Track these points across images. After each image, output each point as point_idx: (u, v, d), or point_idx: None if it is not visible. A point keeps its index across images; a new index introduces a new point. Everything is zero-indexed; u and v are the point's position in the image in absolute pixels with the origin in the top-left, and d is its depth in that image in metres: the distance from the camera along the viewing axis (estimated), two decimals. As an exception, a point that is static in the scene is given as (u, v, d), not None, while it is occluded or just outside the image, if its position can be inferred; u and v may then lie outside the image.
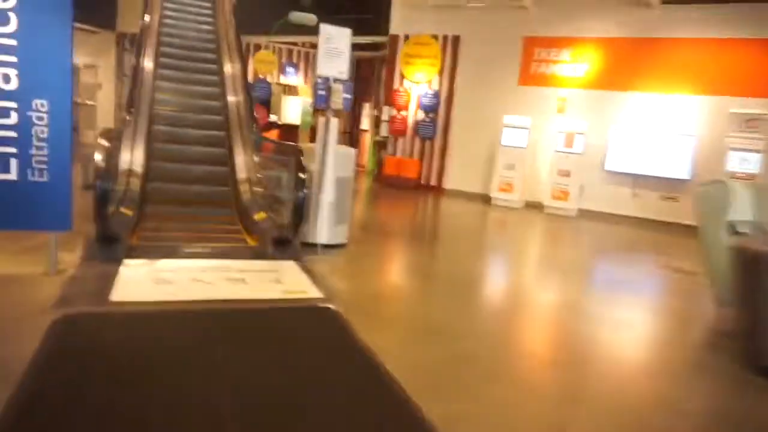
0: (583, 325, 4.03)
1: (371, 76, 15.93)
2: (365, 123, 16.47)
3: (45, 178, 3.60)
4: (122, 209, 4.94)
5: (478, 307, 4.24)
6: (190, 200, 5.88)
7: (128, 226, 4.67)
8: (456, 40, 11.59)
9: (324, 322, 3.38)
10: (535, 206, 10.52)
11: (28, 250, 4.05)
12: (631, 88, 9.89)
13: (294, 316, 3.45)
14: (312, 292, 3.89)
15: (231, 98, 7.43)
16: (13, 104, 3.48)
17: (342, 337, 3.16)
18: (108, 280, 3.67)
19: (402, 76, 12.23)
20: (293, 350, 2.96)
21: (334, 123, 4.87)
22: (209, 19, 9.89)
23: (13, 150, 3.52)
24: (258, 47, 14.47)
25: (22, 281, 3.57)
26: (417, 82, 12.04)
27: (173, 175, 6.15)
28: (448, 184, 11.91)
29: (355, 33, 12.83)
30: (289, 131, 14.41)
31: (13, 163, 3.53)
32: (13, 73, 3.45)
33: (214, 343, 2.92)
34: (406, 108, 12.24)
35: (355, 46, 14.66)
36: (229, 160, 6.48)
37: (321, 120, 4.89)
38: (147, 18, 8.37)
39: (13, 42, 3.43)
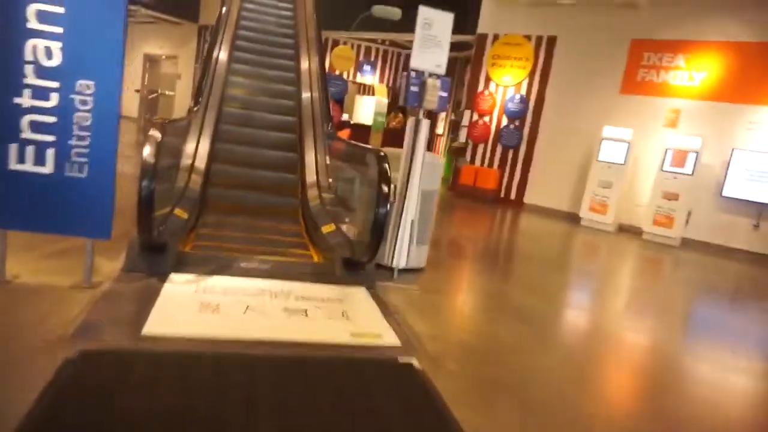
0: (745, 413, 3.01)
1: (452, 77, 15.08)
2: (440, 127, 15.63)
3: (84, 174, 3.02)
4: (177, 210, 4.38)
5: (595, 374, 3.30)
6: (252, 204, 5.28)
7: (180, 232, 4.08)
8: (551, 41, 10.52)
9: (403, 385, 2.58)
10: (629, 230, 9.31)
11: (63, 254, 3.52)
12: (761, 102, 8.48)
13: (364, 371, 2.68)
14: (387, 336, 3.10)
15: (305, 95, 6.82)
16: (54, 84, 2.92)
17: (429, 411, 2.35)
18: (146, 302, 3.05)
19: (488, 79, 11.29)
20: (360, 425, 2.19)
21: (425, 126, 4.08)
22: (289, 12, 9.41)
23: (50, 138, 2.96)
24: (336, 43, 13.98)
25: (47, 295, 3.01)
26: (504, 86, 11.06)
27: (237, 177, 5.58)
28: (530, 198, 10.85)
29: None
30: (359, 131, 13.82)
31: (50, 153, 2.97)
32: (56, 46, 2.89)
33: (259, 404, 2.19)
34: (489, 113, 11.29)
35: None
36: (298, 163, 5.84)
37: (410, 121, 4.11)
38: (225, 9, 7.94)
39: (59, 9, 2.87)
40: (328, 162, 5.81)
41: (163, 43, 17.69)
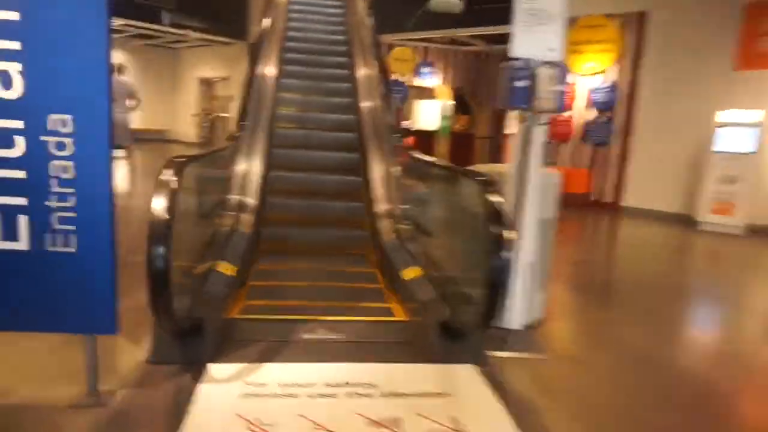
0: None
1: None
2: (512, 127, 14.27)
3: (73, 248, 2.11)
4: (222, 265, 3.45)
5: None
6: (315, 246, 4.33)
7: (225, 294, 3.13)
8: (641, 17, 9.02)
9: None
10: (762, 232, 7.65)
11: (64, 347, 2.62)
12: None
13: None
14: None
15: (366, 105, 5.84)
16: (16, 124, 2.03)
17: None
18: (170, 424, 2.09)
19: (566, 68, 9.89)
20: None
21: (540, 134, 2.95)
22: (339, 19, 8.54)
23: (20, 201, 2.07)
24: (391, 48, 13.00)
25: (35, 422, 2.11)
26: (588, 74, 9.64)
27: (294, 209, 4.65)
28: (629, 200, 9.35)
29: (503, 22, 10.87)
30: (423, 138, 12.76)
31: (22, 222, 2.08)
32: (14, 69, 2.00)
33: None
34: (570, 107, 9.90)
35: (500, 38, 12.60)
36: (363, 188, 4.84)
37: (517, 129, 2.99)
38: (266, 21, 7.11)
39: (14, 15, 1.98)
40: (399, 183, 4.78)
41: (216, 65, 17.41)
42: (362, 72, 6.58)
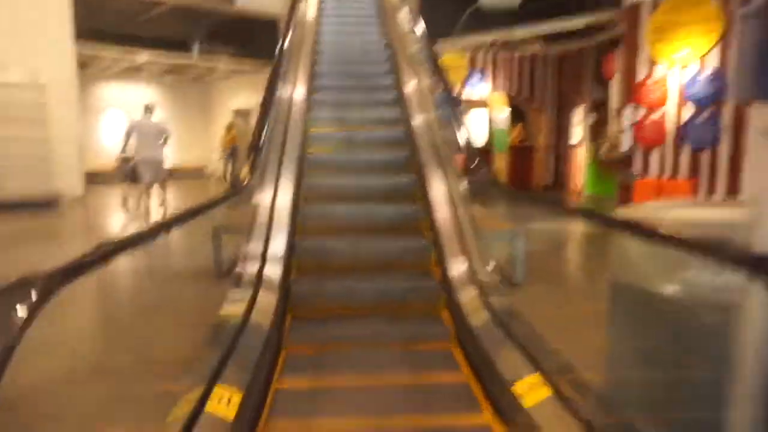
0: None
1: (580, 72, 12.08)
2: (576, 135, 12.54)
3: None
4: (213, 397, 2.06)
5: None
6: (366, 341, 2.92)
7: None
8: (747, -13, 7.31)
9: None
10: None
11: None
12: None
13: None
14: None
15: (423, 139, 4.44)
16: None
17: None
18: None
19: (651, 61, 8.24)
20: None
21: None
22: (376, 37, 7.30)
23: None
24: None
25: None
26: (681, 65, 7.93)
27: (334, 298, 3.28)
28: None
29: (558, 14, 9.08)
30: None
31: None
32: None
33: None
34: (659, 105, 8.21)
35: (552, 37, 11.03)
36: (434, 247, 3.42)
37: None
38: (288, 40, 5.90)
39: None
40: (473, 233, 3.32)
41: (250, 95, 16.55)
42: (412, 88, 5.24)
